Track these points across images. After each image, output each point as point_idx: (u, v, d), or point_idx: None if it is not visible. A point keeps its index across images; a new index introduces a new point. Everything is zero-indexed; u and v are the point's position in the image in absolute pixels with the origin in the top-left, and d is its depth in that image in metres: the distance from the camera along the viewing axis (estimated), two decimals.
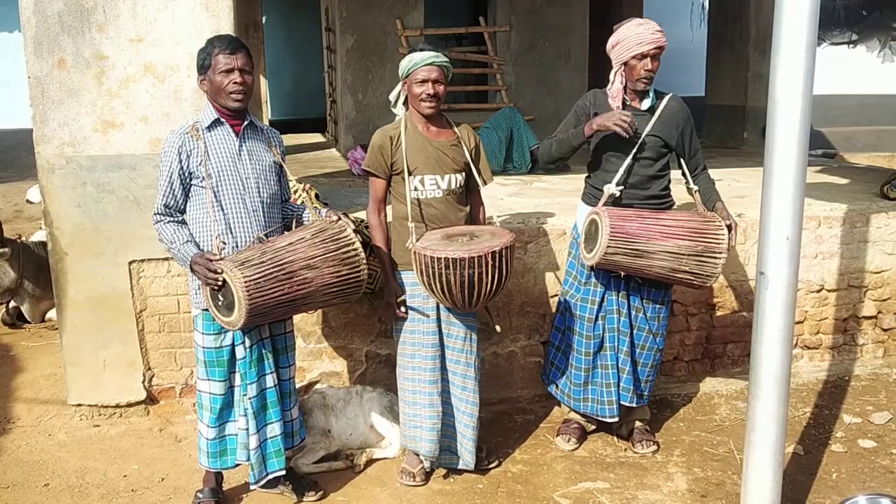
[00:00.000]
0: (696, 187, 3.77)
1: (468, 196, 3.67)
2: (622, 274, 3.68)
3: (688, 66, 13.75)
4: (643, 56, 3.50)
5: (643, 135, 3.59)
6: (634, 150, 3.60)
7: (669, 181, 3.78)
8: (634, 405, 3.87)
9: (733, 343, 4.88)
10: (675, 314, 4.73)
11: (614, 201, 3.66)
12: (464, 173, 3.57)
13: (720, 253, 3.48)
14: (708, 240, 3.48)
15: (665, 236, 3.46)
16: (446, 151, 3.51)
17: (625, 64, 3.57)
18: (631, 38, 3.53)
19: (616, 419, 3.86)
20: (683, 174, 3.79)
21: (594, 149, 3.74)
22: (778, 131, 2.84)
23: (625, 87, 3.63)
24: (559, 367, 3.99)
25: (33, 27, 3.87)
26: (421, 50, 3.43)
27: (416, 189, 3.49)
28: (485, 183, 3.65)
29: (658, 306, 3.81)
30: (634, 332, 3.81)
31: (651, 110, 3.64)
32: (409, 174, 3.46)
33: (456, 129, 3.58)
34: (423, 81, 3.39)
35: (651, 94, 3.66)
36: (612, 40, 3.61)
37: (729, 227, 3.51)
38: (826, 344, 5.03)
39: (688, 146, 3.71)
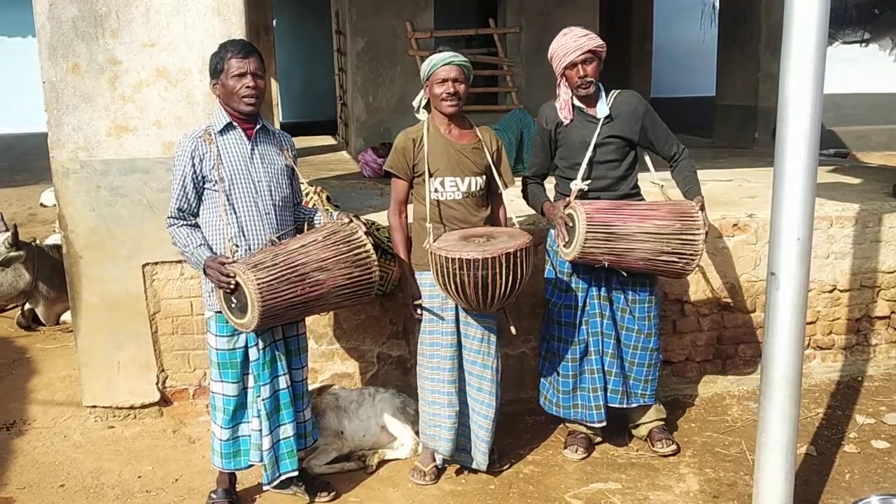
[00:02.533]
0: (662, 184, 3.79)
1: (490, 198, 3.69)
2: (605, 267, 3.61)
3: (698, 66, 13.73)
4: (573, 65, 3.54)
5: (594, 138, 3.61)
6: (591, 150, 3.62)
7: (637, 178, 3.79)
8: (625, 406, 3.84)
9: (745, 344, 4.87)
10: (686, 315, 4.73)
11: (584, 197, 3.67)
12: (484, 176, 3.59)
13: (698, 230, 3.48)
14: (684, 219, 3.50)
15: (642, 218, 3.48)
16: (467, 154, 3.54)
17: (563, 76, 3.62)
18: (558, 51, 3.59)
19: (604, 424, 3.83)
20: (650, 167, 3.81)
21: (558, 158, 3.79)
22: (788, 132, 2.84)
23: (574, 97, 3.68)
24: (546, 378, 3.96)
25: (48, 33, 3.91)
26: (440, 51, 3.48)
27: (436, 191, 3.53)
28: (506, 186, 3.67)
29: (646, 306, 3.79)
30: (623, 333, 3.79)
31: (609, 117, 3.66)
32: (430, 176, 3.51)
33: (478, 132, 3.61)
34: (444, 81, 3.43)
35: (603, 100, 3.67)
36: (548, 55, 3.66)
37: (701, 208, 3.53)
38: (839, 344, 5.01)
39: (654, 137, 3.73)
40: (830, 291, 4.93)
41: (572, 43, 3.54)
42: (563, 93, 3.68)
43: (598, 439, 4.02)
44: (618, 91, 3.73)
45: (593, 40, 3.55)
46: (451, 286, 3.28)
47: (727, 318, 4.82)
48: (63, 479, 3.75)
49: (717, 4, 10.35)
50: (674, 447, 3.90)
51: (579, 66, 3.54)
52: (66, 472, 3.82)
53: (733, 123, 9.27)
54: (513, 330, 3.59)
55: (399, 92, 8.21)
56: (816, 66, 2.77)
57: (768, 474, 3.09)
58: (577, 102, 3.68)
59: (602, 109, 3.66)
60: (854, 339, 5.03)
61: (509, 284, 3.24)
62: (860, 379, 4.85)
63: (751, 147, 8.81)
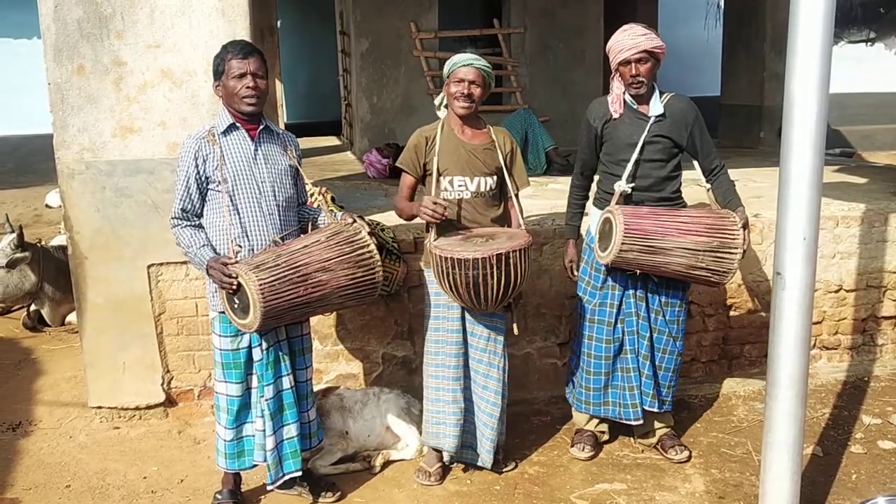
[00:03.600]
0: (709, 186, 3.75)
1: (502, 199, 3.68)
2: (638, 273, 3.65)
3: (703, 66, 13.69)
4: (627, 62, 3.53)
5: (643, 136, 3.58)
6: (639, 150, 3.59)
7: (681, 183, 3.76)
8: (655, 410, 3.81)
9: (751, 344, 4.85)
10: (692, 315, 4.71)
11: (627, 201, 3.65)
12: (495, 177, 3.59)
13: (736, 248, 3.45)
14: (724, 235, 3.46)
15: (681, 233, 3.45)
16: (478, 154, 3.55)
17: (616, 70, 3.60)
18: (615, 47, 3.58)
19: (640, 422, 3.82)
20: (700, 174, 3.77)
21: (604, 153, 3.75)
22: (794, 132, 2.83)
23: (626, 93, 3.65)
24: (576, 374, 3.94)
25: (53, 34, 3.92)
26: (464, 52, 3.51)
27: (445, 189, 3.55)
28: (518, 189, 3.66)
29: (677, 309, 3.78)
30: (655, 335, 3.77)
31: (661, 116, 3.62)
32: (439, 174, 3.52)
33: (492, 133, 3.62)
34: (461, 81, 3.45)
35: (656, 98, 3.64)
36: (607, 48, 3.65)
37: (744, 225, 3.48)
38: (845, 344, 5.00)
39: (699, 145, 3.69)
40: (836, 291, 4.91)
41: (629, 41, 3.52)
42: (616, 87, 3.66)
43: (605, 438, 4.01)
44: (672, 93, 3.69)
45: (651, 41, 3.52)
46: (446, 285, 3.31)
47: (733, 318, 4.81)
48: (69, 479, 3.76)
49: (722, 4, 10.33)
50: (686, 453, 3.85)
51: (633, 64, 3.51)
52: (71, 472, 3.82)
53: (738, 123, 9.26)
54: (515, 330, 3.58)
55: (403, 92, 8.21)
56: (822, 66, 2.76)
57: (774, 475, 3.08)
58: (628, 98, 3.65)
59: (655, 108, 3.62)
60: (860, 339, 5.02)
61: (501, 285, 3.23)
62: (866, 379, 4.83)
63: (756, 147, 8.80)
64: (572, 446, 3.96)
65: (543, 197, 5.47)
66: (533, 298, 4.51)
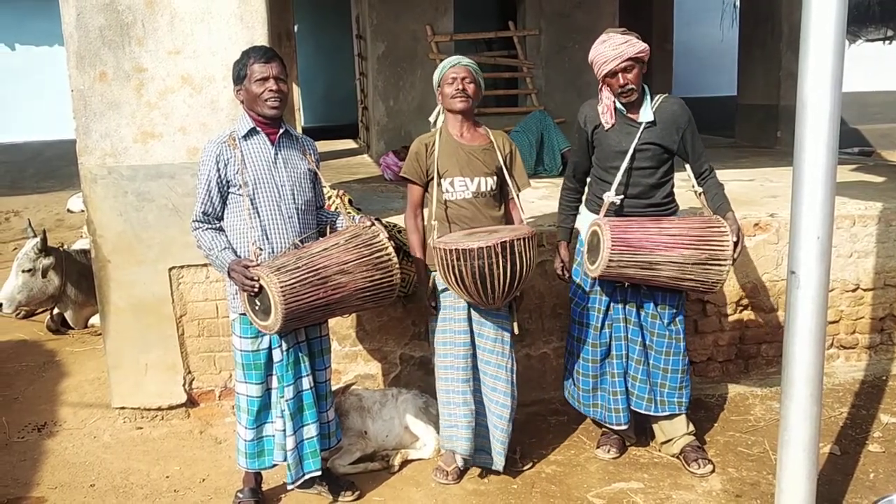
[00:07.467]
0: (700, 190, 3.69)
1: (503, 199, 3.72)
2: (626, 284, 3.64)
3: (719, 66, 13.66)
4: (613, 73, 3.48)
5: (633, 143, 3.54)
6: (629, 158, 3.55)
7: (673, 186, 3.73)
8: (652, 413, 3.78)
9: (767, 343, 4.85)
10: (707, 315, 4.72)
11: (616, 211, 3.62)
12: (496, 177, 3.62)
13: (724, 260, 3.40)
14: (712, 247, 3.40)
15: (669, 246, 3.39)
16: (477, 155, 3.59)
17: (603, 82, 3.57)
18: (597, 59, 3.53)
19: (624, 427, 3.79)
20: (690, 177, 3.72)
21: (595, 158, 3.74)
22: (807, 131, 2.83)
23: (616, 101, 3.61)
24: (570, 373, 3.93)
25: (76, 42, 3.99)
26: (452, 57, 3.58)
27: (446, 191, 3.58)
28: (519, 189, 3.69)
29: (674, 311, 3.73)
30: (655, 339, 3.73)
31: (652, 122, 3.57)
32: (440, 176, 3.55)
33: (490, 136, 3.66)
34: (453, 80, 3.53)
35: (647, 104, 3.58)
36: (589, 60, 3.62)
37: (735, 244, 3.42)
38: (862, 343, 4.98)
39: (691, 149, 3.63)
40: (853, 290, 4.90)
41: (611, 52, 3.46)
42: (605, 97, 3.62)
43: (634, 439, 3.98)
44: (663, 95, 3.64)
45: (633, 46, 3.45)
46: (451, 279, 3.31)
47: (749, 317, 4.81)
48: (93, 479, 3.83)
49: (738, 3, 10.29)
50: (710, 467, 3.75)
51: (620, 74, 3.46)
52: (95, 472, 3.89)
53: (755, 123, 9.22)
54: (515, 329, 3.60)
55: (419, 95, 8.25)
56: (835, 66, 2.77)
57: (791, 473, 3.09)
58: (619, 105, 3.60)
59: (645, 114, 3.57)
60: (878, 338, 5.00)
61: (508, 274, 3.22)
62: (885, 378, 4.81)
63: (773, 146, 8.76)
64: (598, 447, 3.96)
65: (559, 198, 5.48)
66: (549, 299, 4.53)
